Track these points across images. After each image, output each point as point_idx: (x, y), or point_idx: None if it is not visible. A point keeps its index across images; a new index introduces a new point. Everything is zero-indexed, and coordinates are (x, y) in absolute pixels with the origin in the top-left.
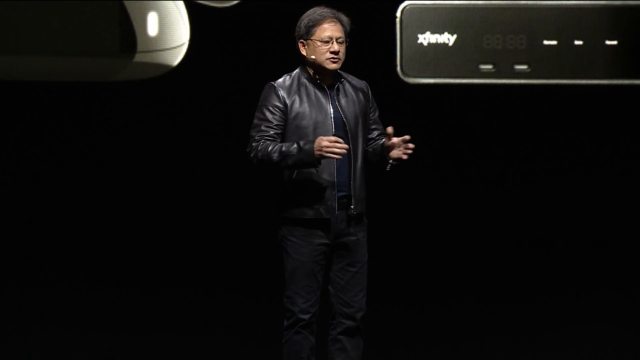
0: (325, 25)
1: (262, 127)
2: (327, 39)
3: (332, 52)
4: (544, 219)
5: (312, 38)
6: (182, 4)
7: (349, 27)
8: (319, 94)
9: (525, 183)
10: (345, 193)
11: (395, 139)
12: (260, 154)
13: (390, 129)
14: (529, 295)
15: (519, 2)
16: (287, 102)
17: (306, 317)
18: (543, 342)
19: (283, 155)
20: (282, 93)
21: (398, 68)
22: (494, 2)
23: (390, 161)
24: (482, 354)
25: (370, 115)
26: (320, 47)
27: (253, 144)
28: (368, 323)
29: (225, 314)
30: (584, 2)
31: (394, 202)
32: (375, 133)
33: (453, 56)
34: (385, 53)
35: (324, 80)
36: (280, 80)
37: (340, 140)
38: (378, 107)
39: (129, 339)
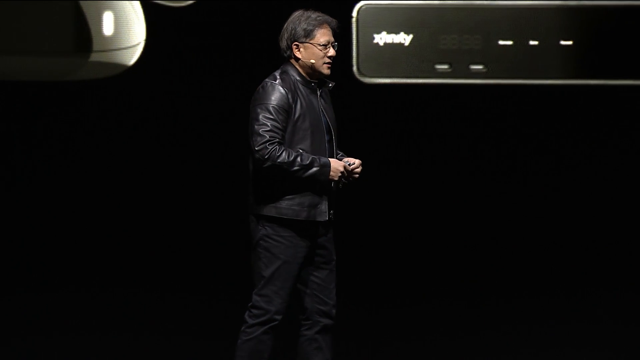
0: (324, 30)
1: (271, 127)
2: (325, 43)
3: (329, 57)
4: (497, 216)
5: (311, 41)
6: (137, 4)
7: (337, 31)
8: (311, 97)
9: (480, 181)
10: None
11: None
12: (278, 160)
13: None
14: (506, 293)
15: (474, 2)
16: (292, 103)
17: (279, 318)
18: (526, 340)
19: (301, 167)
20: (287, 94)
21: (354, 68)
22: (450, 2)
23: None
24: (460, 351)
25: None
26: (319, 51)
27: (268, 145)
28: (343, 322)
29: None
30: (539, 2)
31: (351, 203)
32: None
33: (409, 56)
34: (341, 53)
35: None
36: (279, 80)
37: (349, 169)
38: (335, 106)
39: (114, 340)
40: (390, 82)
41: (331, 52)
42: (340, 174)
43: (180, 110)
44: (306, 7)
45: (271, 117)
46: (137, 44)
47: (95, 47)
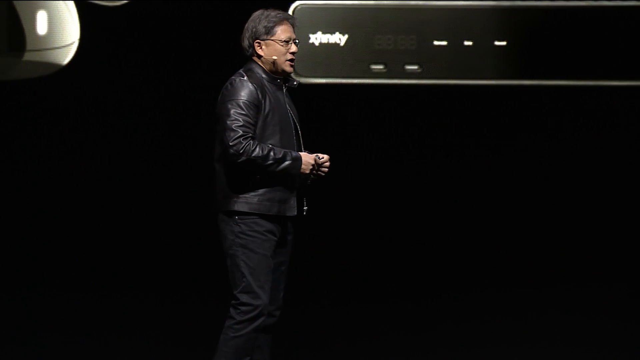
0: (285, 27)
1: (243, 122)
2: (287, 39)
3: (291, 53)
4: (429, 216)
5: (272, 38)
6: (72, 3)
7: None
8: (278, 94)
9: (414, 180)
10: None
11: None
12: (253, 154)
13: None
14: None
15: (409, 2)
16: (261, 99)
17: (266, 312)
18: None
19: (275, 161)
20: (257, 90)
21: None
22: (385, 2)
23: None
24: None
25: None
26: (281, 47)
27: (242, 140)
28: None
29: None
30: (474, 2)
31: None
32: None
33: (344, 56)
34: None
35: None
36: (247, 77)
37: (319, 162)
38: None
39: (114, 345)
40: (325, 82)
41: (293, 48)
42: (311, 167)
43: (114, 109)
44: (266, 7)
45: (243, 112)
46: (71, 43)
47: (29, 46)
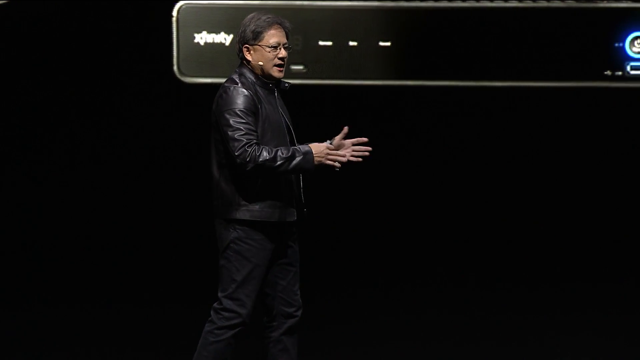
0: (273, 31)
1: (246, 130)
2: (275, 44)
3: (279, 59)
4: (334, 219)
5: (259, 44)
6: None
7: (290, 32)
8: (270, 98)
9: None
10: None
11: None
12: (260, 159)
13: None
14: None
15: (294, 2)
16: (258, 106)
17: (248, 321)
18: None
19: (285, 160)
20: (253, 97)
21: (175, 67)
22: (270, 2)
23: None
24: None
25: None
26: (268, 53)
27: (247, 148)
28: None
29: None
30: (358, 3)
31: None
32: None
33: (230, 56)
34: (161, 52)
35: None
36: (241, 84)
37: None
38: (155, 107)
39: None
40: (211, 82)
41: (282, 53)
42: (325, 154)
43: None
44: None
45: (243, 120)
46: None
47: None
